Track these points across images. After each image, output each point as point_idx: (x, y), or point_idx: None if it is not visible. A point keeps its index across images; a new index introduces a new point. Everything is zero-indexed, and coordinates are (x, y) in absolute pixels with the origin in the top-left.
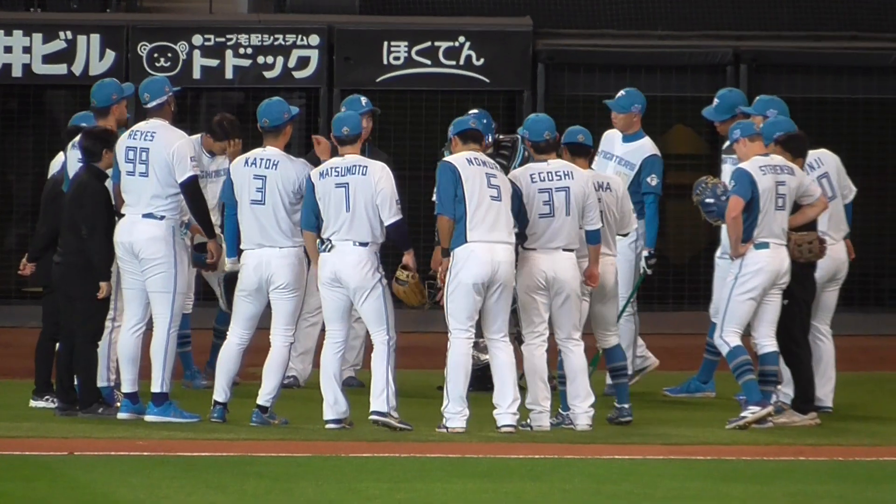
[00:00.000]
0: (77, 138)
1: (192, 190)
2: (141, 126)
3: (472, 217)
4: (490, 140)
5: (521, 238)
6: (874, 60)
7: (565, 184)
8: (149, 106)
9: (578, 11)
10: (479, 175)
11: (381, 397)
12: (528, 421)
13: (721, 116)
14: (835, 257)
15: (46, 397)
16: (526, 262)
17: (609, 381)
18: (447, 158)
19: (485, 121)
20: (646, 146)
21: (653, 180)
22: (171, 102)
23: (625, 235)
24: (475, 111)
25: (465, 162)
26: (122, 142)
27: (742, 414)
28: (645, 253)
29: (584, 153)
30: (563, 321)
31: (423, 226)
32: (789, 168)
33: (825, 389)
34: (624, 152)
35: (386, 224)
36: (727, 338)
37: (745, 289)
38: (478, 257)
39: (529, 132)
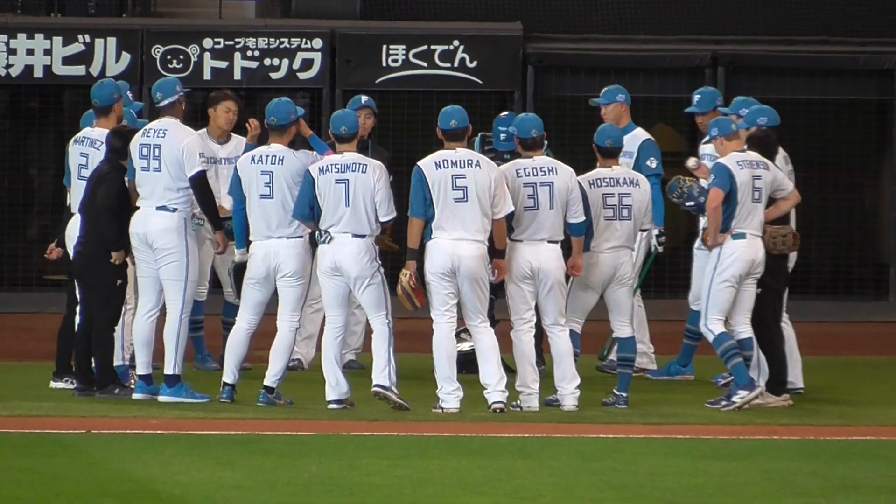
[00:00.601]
0: (78, 135)
1: (200, 184)
2: (154, 124)
3: (439, 218)
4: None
5: (509, 230)
6: (844, 63)
7: (549, 179)
8: (161, 105)
9: (566, 17)
10: (445, 178)
11: (382, 373)
12: (518, 402)
13: (705, 108)
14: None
15: (66, 379)
16: (513, 253)
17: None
18: (418, 163)
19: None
20: (639, 134)
21: (652, 163)
22: (182, 101)
23: (644, 231)
24: (506, 113)
25: (433, 166)
26: (137, 139)
27: (732, 399)
28: (655, 231)
29: (612, 155)
30: (548, 308)
31: None
32: (764, 163)
33: (795, 371)
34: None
35: (382, 220)
36: (711, 326)
37: (723, 277)
38: (440, 249)
39: (518, 129)
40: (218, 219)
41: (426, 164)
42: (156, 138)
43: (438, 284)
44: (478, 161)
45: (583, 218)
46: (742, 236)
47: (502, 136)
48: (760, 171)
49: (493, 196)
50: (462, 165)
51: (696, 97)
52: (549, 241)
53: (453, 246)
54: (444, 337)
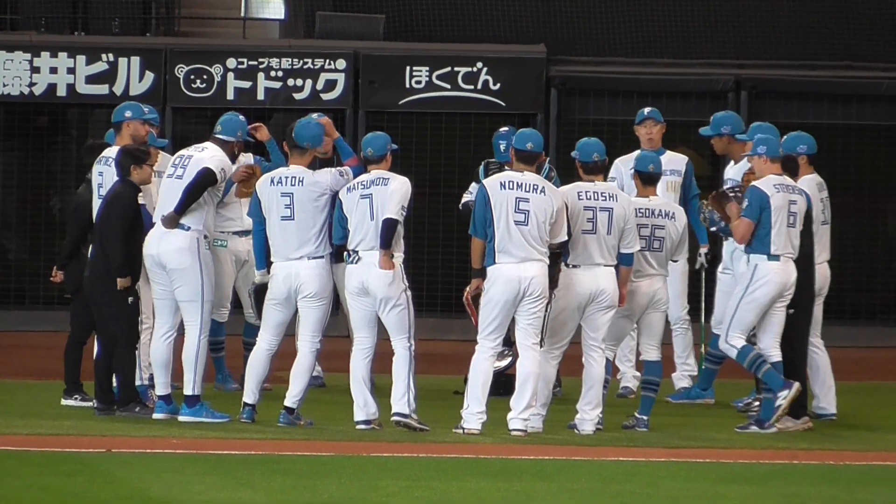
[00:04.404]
0: (99, 157)
1: (205, 176)
2: (199, 144)
3: (500, 240)
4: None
5: (564, 254)
6: (867, 88)
7: (609, 205)
8: (216, 136)
9: (589, 40)
10: (508, 199)
11: (402, 400)
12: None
13: (710, 132)
14: (823, 274)
15: (75, 396)
16: (570, 280)
17: (624, 384)
18: (484, 181)
19: (514, 137)
20: (678, 154)
21: (694, 182)
22: (237, 147)
23: (675, 261)
24: (506, 129)
25: (498, 186)
26: (177, 154)
27: (777, 404)
28: (703, 250)
29: (653, 182)
30: (596, 329)
31: (441, 241)
32: (800, 189)
33: (828, 398)
34: (663, 164)
35: (385, 217)
36: (733, 341)
37: (753, 297)
38: (505, 275)
39: (580, 153)
40: (185, 209)
41: (491, 183)
42: (193, 151)
43: (495, 310)
44: (543, 188)
45: (637, 248)
46: (776, 258)
47: (502, 146)
48: (796, 197)
49: (553, 224)
50: (527, 189)
51: (711, 120)
52: (604, 266)
53: (519, 270)
54: (484, 360)
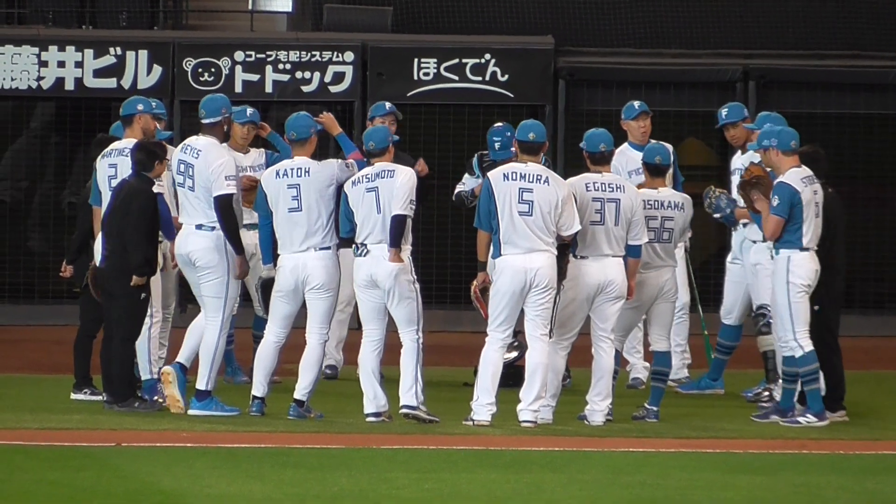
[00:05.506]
0: (106, 149)
1: (223, 206)
2: (191, 141)
3: (505, 231)
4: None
5: (573, 245)
6: (875, 78)
7: (616, 196)
8: (203, 122)
9: (597, 31)
10: (511, 190)
11: (410, 392)
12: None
13: (737, 117)
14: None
15: (85, 390)
16: (579, 271)
17: (634, 375)
18: (488, 174)
19: (508, 133)
20: (663, 144)
21: (678, 169)
22: (226, 124)
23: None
24: (500, 124)
25: (501, 177)
26: (176, 154)
27: (798, 419)
28: (688, 234)
29: (661, 173)
30: (606, 320)
31: (449, 233)
32: (818, 179)
33: None
34: None
35: (392, 213)
36: (802, 341)
37: (798, 288)
38: (511, 266)
39: (587, 144)
40: (239, 243)
41: (495, 175)
42: (191, 157)
43: (503, 301)
44: (547, 178)
45: (645, 239)
46: (807, 250)
47: (497, 144)
48: (817, 187)
49: (560, 214)
50: (531, 180)
51: (724, 111)
52: (613, 257)
53: (525, 261)
54: (494, 351)
